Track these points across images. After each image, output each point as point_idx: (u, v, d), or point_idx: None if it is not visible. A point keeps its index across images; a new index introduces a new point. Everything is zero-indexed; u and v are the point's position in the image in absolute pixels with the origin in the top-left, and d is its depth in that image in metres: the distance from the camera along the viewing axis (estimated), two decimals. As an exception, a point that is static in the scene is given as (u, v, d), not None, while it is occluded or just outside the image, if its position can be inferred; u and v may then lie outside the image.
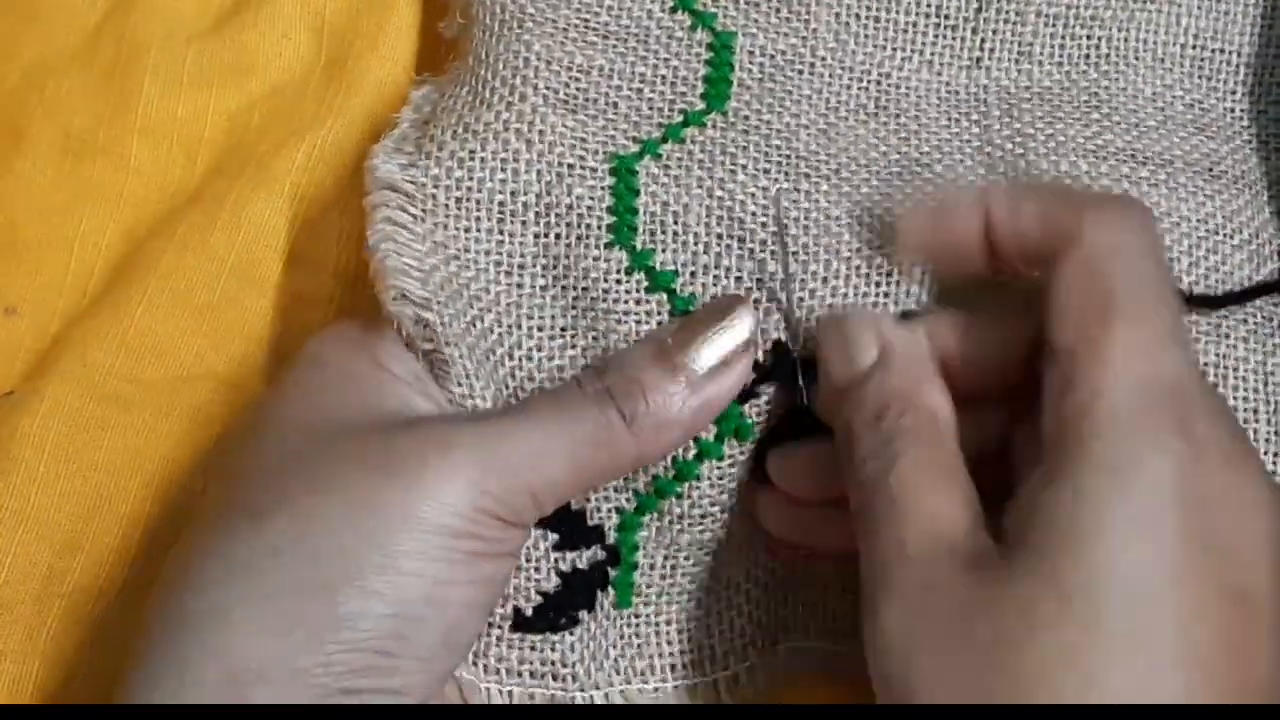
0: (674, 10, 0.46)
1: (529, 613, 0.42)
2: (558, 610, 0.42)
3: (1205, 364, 0.44)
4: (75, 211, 0.50)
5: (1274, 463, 0.44)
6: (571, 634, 0.42)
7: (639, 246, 0.43)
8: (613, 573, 0.43)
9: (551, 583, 0.42)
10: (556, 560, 0.42)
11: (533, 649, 0.42)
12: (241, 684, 0.36)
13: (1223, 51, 0.48)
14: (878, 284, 0.44)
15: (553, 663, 0.42)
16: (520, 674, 0.42)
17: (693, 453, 0.43)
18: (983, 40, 0.48)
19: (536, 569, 0.42)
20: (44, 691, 0.44)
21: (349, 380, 0.41)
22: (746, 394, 0.43)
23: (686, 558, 0.44)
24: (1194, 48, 0.48)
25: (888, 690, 0.36)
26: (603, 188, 0.44)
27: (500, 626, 0.42)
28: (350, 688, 0.37)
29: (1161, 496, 0.35)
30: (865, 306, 0.43)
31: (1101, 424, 0.36)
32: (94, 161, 0.50)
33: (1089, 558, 0.34)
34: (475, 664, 0.42)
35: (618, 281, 0.43)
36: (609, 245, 0.43)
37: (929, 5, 0.48)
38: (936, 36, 0.48)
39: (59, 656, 0.45)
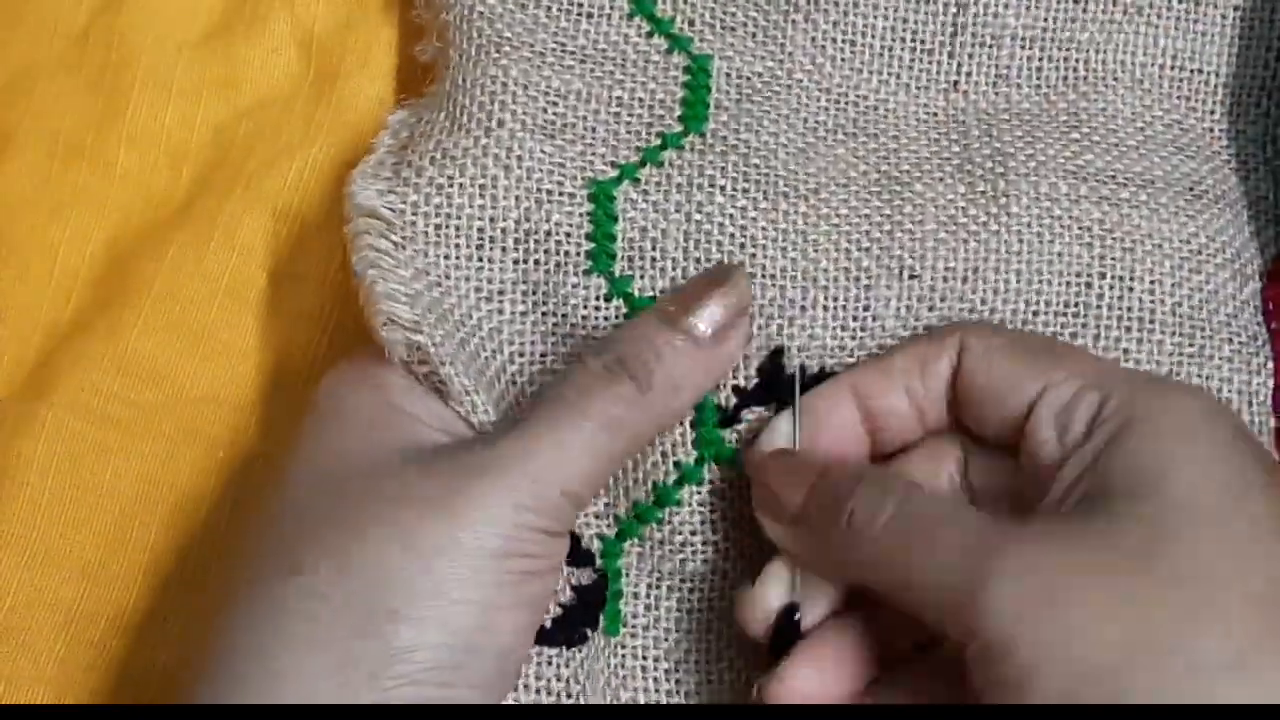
0: (650, 34, 0.46)
1: (549, 625, 0.41)
2: (573, 624, 0.42)
3: (1189, 386, 0.44)
4: (60, 217, 0.49)
5: (1263, 481, 0.44)
6: (581, 651, 0.42)
7: (617, 273, 0.43)
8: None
9: (567, 596, 0.42)
10: (569, 574, 0.42)
11: (549, 664, 0.41)
12: None
13: (1200, 72, 0.48)
14: (854, 316, 0.44)
15: (566, 679, 0.41)
16: (538, 691, 0.41)
17: (673, 478, 0.43)
18: (959, 64, 0.48)
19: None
20: (51, 717, 0.44)
21: (365, 424, 0.41)
22: (728, 418, 0.43)
23: (670, 589, 0.43)
24: (1172, 68, 0.48)
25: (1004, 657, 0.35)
26: (581, 214, 0.43)
27: None
28: None
29: (1208, 423, 0.38)
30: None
31: (1104, 404, 0.38)
32: (80, 167, 0.50)
33: (1177, 486, 0.36)
34: None
35: (596, 308, 0.43)
36: (587, 272, 0.43)
37: (904, 30, 0.47)
38: (913, 61, 0.47)
39: (66, 683, 0.45)
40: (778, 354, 0.43)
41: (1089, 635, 0.34)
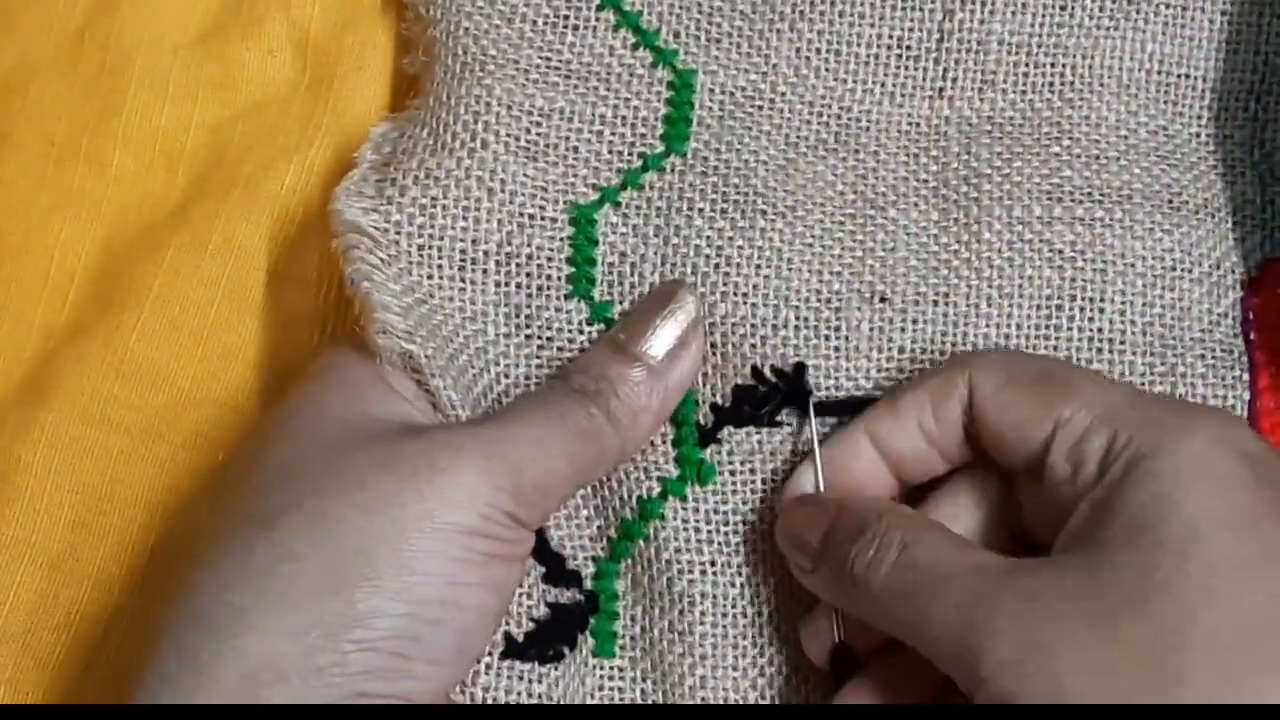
0: (636, 47, 0.46)
1: (520, 638, 0.42)
2: (547, 640, 0.43)
3: (1163, 405, 0.44)
4: (56, 218, 0.50)
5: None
6: (556, 669, 0.43)
7: (598, 298, 0.44)
8: (591, 620, 0.44)
9: (541, 611, 0.43)
10: (545, 591, 0.43)
11: (520, 679, 0.42)
12: (258, 684, 0.37)
13: (1187, 77, 0.48)
14: (826, 336, 0.44)
15: (539, 695, 0.42)
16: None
17: (656, 491, 0.44)
18: (945, 70, 0.47)
19: (528, 595, 0.43)
20: (50, 721, 0.45)
21: (354, 390, 0.42)
22: (707, 437, 0.44)
23: (662, 611, 0.44)
24: (1159, 73, 0.48)
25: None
26: (562, 238, 0.44)
27: (490, 654, 0.42)
28: (365, 690, 0.37)
29: (1211, 460, 0.37)
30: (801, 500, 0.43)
31: (1114, 442, 0.38)
32: (75, 168, 0.50)
33: (1171, 529, 0.36)
34: (462, 693, 0.42)
35: (579, 332, 0.44)
36: (568, 296, 0.44)
37: (890, 37, 0.47)
38: (899, 68, 0.47)
39: (65, 686, 0.46)
40: (756, 373, 0.44)
41: (1076, 689, 0.34)
